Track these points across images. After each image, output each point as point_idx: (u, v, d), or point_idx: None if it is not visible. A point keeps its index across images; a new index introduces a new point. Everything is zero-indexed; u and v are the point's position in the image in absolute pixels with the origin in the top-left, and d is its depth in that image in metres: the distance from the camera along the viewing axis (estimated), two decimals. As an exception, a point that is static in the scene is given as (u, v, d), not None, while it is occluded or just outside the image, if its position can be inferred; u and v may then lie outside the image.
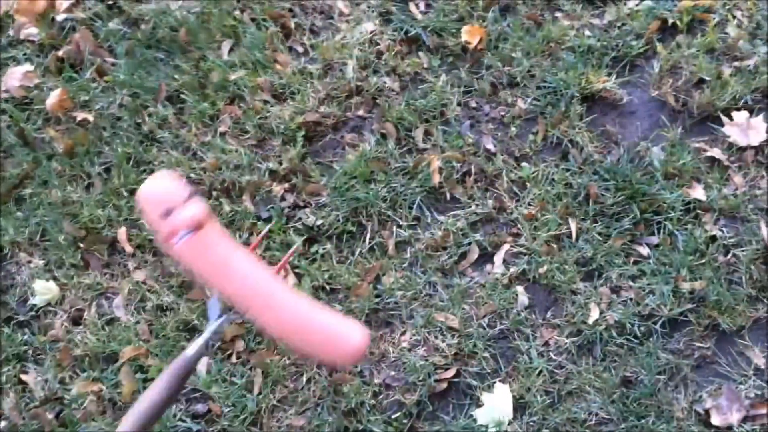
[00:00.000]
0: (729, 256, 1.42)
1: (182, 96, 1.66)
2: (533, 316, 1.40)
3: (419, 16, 1.80)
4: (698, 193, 1.50)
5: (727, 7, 1.77)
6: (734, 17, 1.75)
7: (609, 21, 1.77)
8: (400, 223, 1.51)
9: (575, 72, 1.67)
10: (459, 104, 1.68)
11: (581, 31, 1.75)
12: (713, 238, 1.44)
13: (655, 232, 1.47)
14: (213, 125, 1.64)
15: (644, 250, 1.45)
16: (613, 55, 1.72)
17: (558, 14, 1.79)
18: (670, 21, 1.75)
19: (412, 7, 1.82)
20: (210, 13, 1.77)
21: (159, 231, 0.44)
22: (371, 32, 1.77)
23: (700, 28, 1.75)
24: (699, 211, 1.48)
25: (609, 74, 1.70)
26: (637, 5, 1.78)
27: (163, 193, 0.44)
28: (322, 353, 0.45)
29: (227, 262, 0.43)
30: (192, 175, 1.55)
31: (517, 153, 1.61)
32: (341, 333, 0.44)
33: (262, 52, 1.73)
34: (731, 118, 1.60)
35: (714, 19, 1.75)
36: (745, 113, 1.61)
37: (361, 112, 1.67)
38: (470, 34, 1.75)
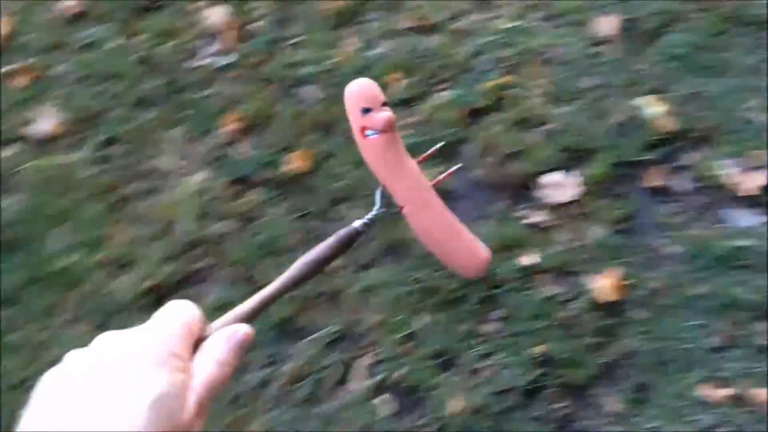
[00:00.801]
0: (567, 311, 1.60)
1: (20, 294, 1.78)
2: (402, 422, 1.53)
3: (247, 154, 2.02)
4: (530, 258, 1.71)
5: (524, 80, 2.06)
6: (533, 87, 2.05)
7: (422, 118, 2.03)
8: (258, 364, 1.64)
9: (400, 172, 1.90)
10: (299, 229, 1.86)
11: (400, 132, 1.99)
12: (550, 298, 1.63)
13: (499, 306, 1.65)
14: (55, 316, 1.76)
15: (492, 327, 1.62)
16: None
17: (375, 122, 2.04)
18: (477, 105, 2.02)
19: (239, 147, 2.04)
20: (38, 204, 1.94)
21: (356, 124, 0.58)
22: (202, 181, 1.97)
23: (505, 103, 2.03)
24: (534, 275, 1.68)
25: (434, 165, 1.93)
26: (443, 96, 2.06)
27: (366, 94, 0.58)
28: (454, 261, 0.59)
29: (399, 165, 0.59)
30: (38, 372, 1.65)
31: (361, 262, 1.79)
32: (474, 246, 0.59)
33: (97, 229, 1.89)
34: (546, 181, 1.84)
35: (515, 93, 2.03)
36: (558, 173, 1.86)
37: (204, 263, 1.83)
38: (298, 160, 1.98)
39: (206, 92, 2.19)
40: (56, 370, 0.40)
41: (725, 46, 2.10)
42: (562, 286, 1.67)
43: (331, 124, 2.07)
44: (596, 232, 1.75)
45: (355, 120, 0.59)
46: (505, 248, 1.74)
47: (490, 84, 2.08)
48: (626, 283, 1.64)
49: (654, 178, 1.85)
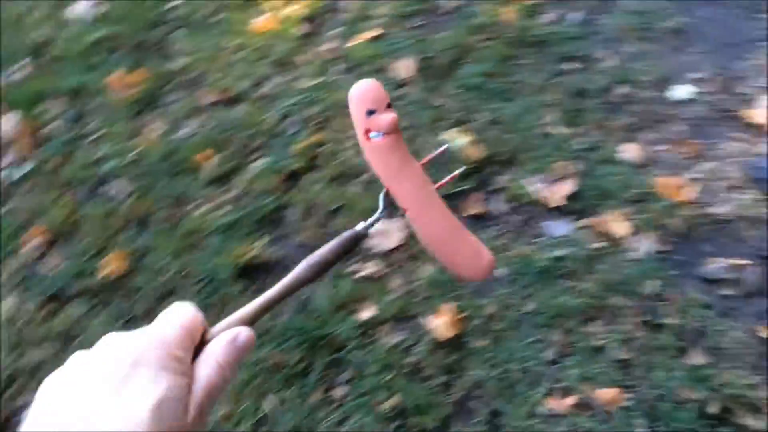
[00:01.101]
0: (411, 356, 1.64)
1: None
2: None
3: (58, 268, 1.92)
4: (368, 311, 1.74)
5: (335, 134, 2.13)
6: (345, 140, 2.11)
7: (240, 191, 2.03)
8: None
9: (226, 252, 1.88)
10: (127, 336, 1.78)
11: (218, 211, 1.99)
12: (394, 347, 1.66)
13: (345, 368, 1.66)
14: None
15: (341, 391, 1.63)
16: (255, 219, 1.97)
17: (192, 205, 2.02)
18: (293, 168, 2.06)
19: (47, 262, 1.94)
20: None
21: (360, 126, 0.59)
22: (10, 308, 1.85)
23: (320, 161, 2.08)
24: (375, 328, 1.71)
25: (259, 238, 1.93)
26: (257, 166, 2.08)
27: (371, 96, 0.58)
28: (458, 263, 0.59)
29: (403, 167, 0.59)
30: None
31: (199, 356, 1.74)
32: (477, 249, 0.60)
33: None
34: (371, 231, 1.89)
35: (328, 149, 2.09)
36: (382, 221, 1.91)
37: (25, 398, 1.71)
38: (112, 263, 1.91)
39: (2, 210, 2.07)
40: (59, 372, 0.42)
41: (514, 70, 2.29)
42: (403, 333, 1.71)
43: (145, 216, 2.02)
44: (426, 271, 1.81)
45: (359, 122, 0.61)
46: (342, 307, 1.77)
47: (302, 145, 2.13)
48: (462, 315, 1.71)
49: (473, 206, 1.96)
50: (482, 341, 1.67)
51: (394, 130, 0.60)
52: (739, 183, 1.86)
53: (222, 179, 2.08)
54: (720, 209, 1.81)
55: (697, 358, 1.56)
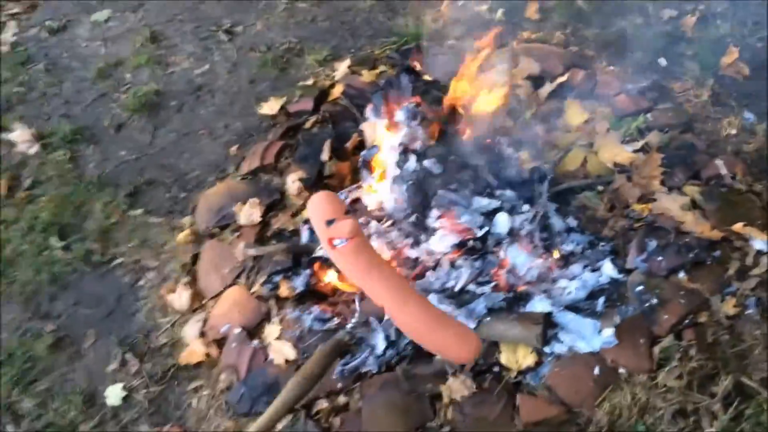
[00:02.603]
0: None
1: None
2: None
3: None
4: None
5: None
6: None
7: None
8: None
9: None
10: None
11: None
12: None
13: None
14: None
15: None
16: None
17: None
18: None
19: None
20: None
21: (323, 235, 0.68)
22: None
23: None
24: None
25: None
26: None
27: (328, 207, 0.72)
28: (443, 350, 0.71)
29: (371, 267, 0.71)
30: None
31: None
32: (460, 335, 0.72)
33: None
34: None
35: None
36: None
37: None
38: None
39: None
40: None
41: None
42: None
43: None
44: None
45: (321, 233, 0.72)
46: None
47: None
48: None
49: None
50: None
51: (355, 234, 0.69)
52: (234, 427, 1.77)
53: None
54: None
55: None
